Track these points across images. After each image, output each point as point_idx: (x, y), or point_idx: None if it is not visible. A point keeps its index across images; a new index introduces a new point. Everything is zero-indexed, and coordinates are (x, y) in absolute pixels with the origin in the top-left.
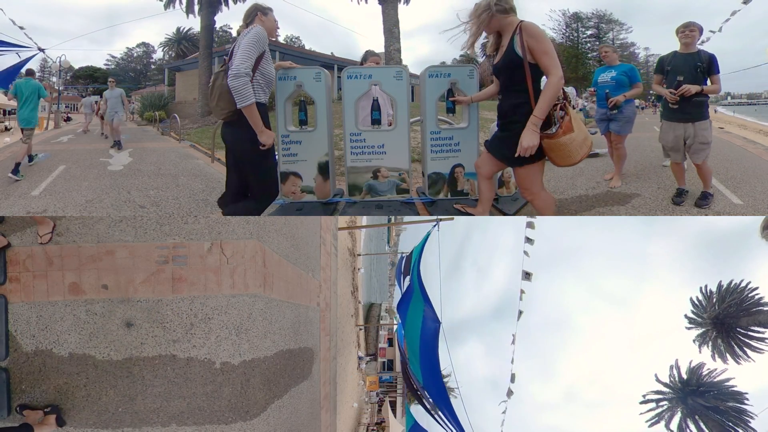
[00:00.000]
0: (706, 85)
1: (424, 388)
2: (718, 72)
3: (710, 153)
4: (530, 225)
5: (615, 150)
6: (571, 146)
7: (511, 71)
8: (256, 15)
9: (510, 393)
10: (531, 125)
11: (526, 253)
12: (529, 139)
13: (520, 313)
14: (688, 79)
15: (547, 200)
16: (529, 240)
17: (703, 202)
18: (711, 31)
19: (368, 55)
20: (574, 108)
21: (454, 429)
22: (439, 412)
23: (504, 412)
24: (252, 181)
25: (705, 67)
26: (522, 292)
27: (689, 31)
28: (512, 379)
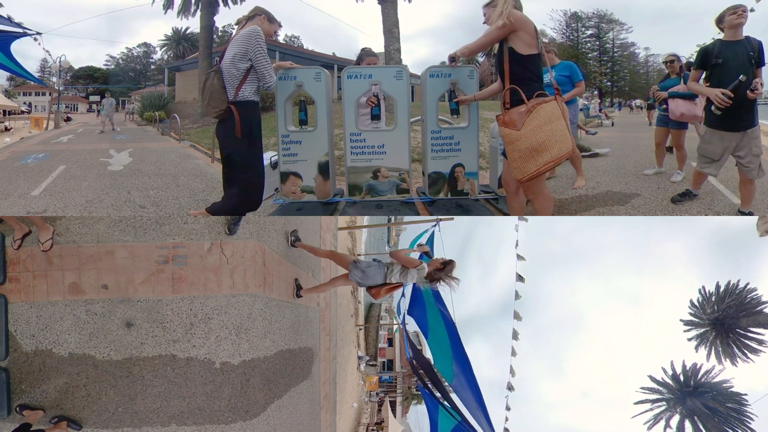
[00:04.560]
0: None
1: (452, 389)
2: (765, 63)
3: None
4: (516, 228)
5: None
6: (512, 147)
7: (498, 61)
8: (259, 15)
9: (510, 387)
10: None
11: (519, 256)
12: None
13: (516, 313)
14: (751, 77)
15: (546, 202)
16: (517, 243)
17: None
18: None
19: (364, 54)
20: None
21: (486, 428)
22: (467, 412)
23: (507, 407)
24: (241, 178)
25: (756, 56)
26: (517, 293)
27: (741, 11)
28: (511, 371)
